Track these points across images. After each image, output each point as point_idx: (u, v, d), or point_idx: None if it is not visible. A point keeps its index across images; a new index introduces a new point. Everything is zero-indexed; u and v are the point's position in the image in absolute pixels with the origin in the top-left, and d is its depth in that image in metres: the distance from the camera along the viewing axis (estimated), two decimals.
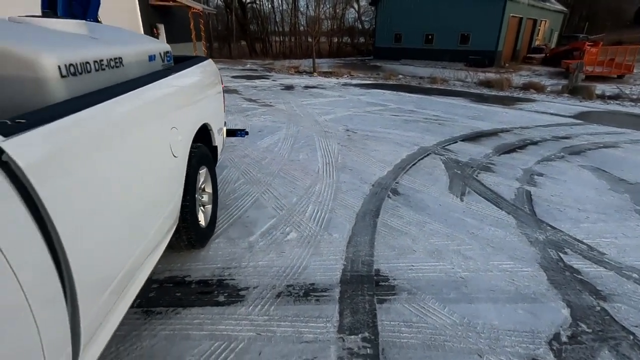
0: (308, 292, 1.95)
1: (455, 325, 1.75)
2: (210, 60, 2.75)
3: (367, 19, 31.21)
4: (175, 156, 1.71)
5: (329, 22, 28.92)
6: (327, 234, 2.53)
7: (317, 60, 14.37)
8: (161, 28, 12.69)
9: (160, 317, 1.75)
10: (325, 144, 4.63)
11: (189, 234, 2.05)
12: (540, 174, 3.77)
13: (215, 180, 2.56)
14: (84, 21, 1.78)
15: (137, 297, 1.41)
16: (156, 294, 1.91)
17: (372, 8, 24.52)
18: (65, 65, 1.27)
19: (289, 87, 9.67)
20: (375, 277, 2.08)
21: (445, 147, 4.62)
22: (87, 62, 1.40)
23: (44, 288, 0.84)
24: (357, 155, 4.21)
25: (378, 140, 4.85)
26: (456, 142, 4.88)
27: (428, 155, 4.28)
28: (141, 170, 1.40)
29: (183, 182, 1.87)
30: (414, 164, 3.95)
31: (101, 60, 1.50)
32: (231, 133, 3.25)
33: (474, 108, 7.47)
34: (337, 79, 12.17)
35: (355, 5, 30.94)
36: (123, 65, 1.67)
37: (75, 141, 1.04)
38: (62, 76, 1.25)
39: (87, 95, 1.26)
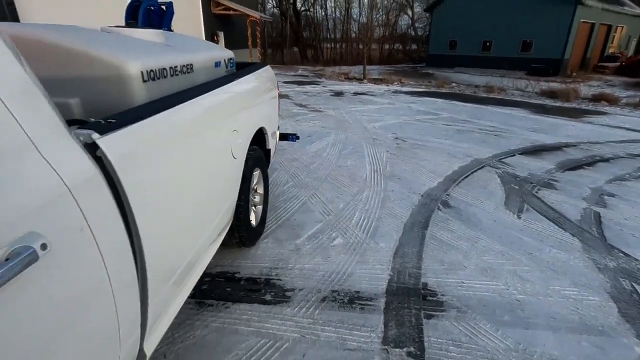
0: (353, 300, 1.94)
1: (508, 350, 1.64)
2: (268, 67, 2.87)
3: (420, 25, 30.63)
4: (234, 157, 1.80)
5: (381, 29, 28.78)
6: (373, 242, 2.50)
7: (367, 67, 14.35)
8: (221, 35, 13.44)
9: (211, 310, 1.84)
10: (374, 151, 4.59)
11: (241, 233, 2.13)
12: (612, 195, 3.43)
13: (267, 182, 2.65)
14: (160, 30, 1.94)
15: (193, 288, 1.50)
16: (208, 286, 2.02)
17: (427, 15, 24.02)
18: (147, 71, 1.40)
19: (339, 94, 9.75)
20: (422, 291, 2.02)
21: (502, 160, 4.38)
22: (164, 68, 1.53)
23: (123, 272, 0.92)
24: (406, 164, 4.13)
25: (429, 150, 4.71)
26: (514, 155, 4.60)
27: (482, 167, 4.08)
28: (206, 169, 1.50)
29: (240, 182, 1.96)
30: (466, 176, 3.78)
31: (175, 67, 1.63)
32: (283, 137, 3.34)
33: (535, 120, 7.00)
34: (387, 86, 12.04)
35: (409, 12, 30.51)
36: (193, 71, 1.80)
37: (153, 140, 1.14)
38: (144, 81, 1.38)
39: (164, 99, 1.37)
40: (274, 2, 30.12)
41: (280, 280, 2.09)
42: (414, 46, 29.94)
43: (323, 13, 30.90)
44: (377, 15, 28.42)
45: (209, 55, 2.04)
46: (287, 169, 3.90)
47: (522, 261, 2.32)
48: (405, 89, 11.36)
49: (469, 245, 2.48)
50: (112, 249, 0.87)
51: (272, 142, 2.77)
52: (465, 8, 19.30)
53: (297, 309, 1.86)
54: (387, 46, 29.30)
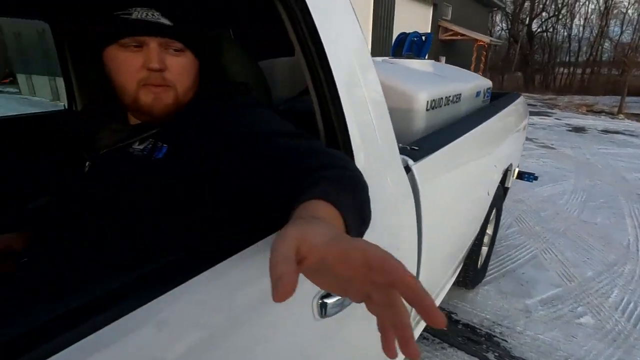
0: None
1: None
2: (522, 97, 2.59)
3: None
4: (488, 194, 1.68)
5: None
6: None
7: (625, 98, 11.15)
8: (442, 59, 13.50)
9: (427, 343, 1.77)
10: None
11: (467, 271, 1.98)
12: None
13: (498, 223, 2.39)
14: (431, 61, 2.04)
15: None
16: None
17: None
18: (430, 101, 1.47)
19: (579, 129, 7.99)
20: None
21: None
22: (441, 98, 1.57)
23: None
24: None
25: None
26: None
27: None
28: (469, 203, 1.45)
29: (483, 219, 1.82)
30: None
31: (449, 96, 1.65)
32: (519, 175, 2.95)
33: None
34: None
35: None
36: (460, 101, 1.79)
37: (441, 168, 1.16)
38: (427, 110, 1.45)
39: (449, 130, 1.39)
40: (504, 24, 27.96)
41: (506, 341, 1.80)
42: None
43: (565, 33, 26.31)
44: None
45: (473, 85, 1.99)
46: (509, 210, 3.44)
47: None
48: None
49: None
50: (407, 262, 0.91)
51: (510, 180, 2.48)
52: None
53: None
54: None
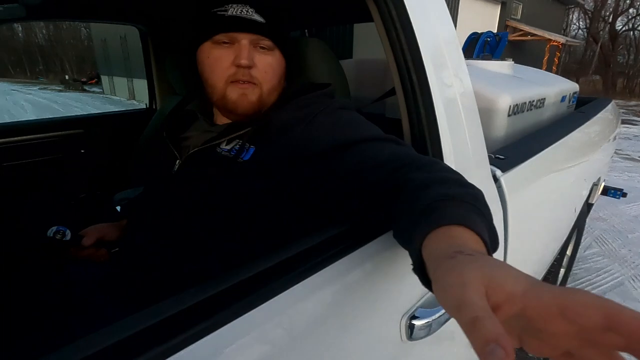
0: None
1: None
2: (613, 103, 2.30)
3: None
4: (575, 211, 1.50)
5: None
6: None
7: None
8: (508, 60, 12.62)
9: None
10: None
11: None
12: None
13: (578, 243, 2.14)
14: (508, 62, 1.88)
15: None
16: None
17: None
18: (513, 106, 1.34)
19: None
20: None
21: None
22: (524, 103, 1.44)
23: None
24: None
25: None
26: None
27: None
28: (554, 218, 1.31)
29: (565, 238, 1.63)
30: None
31: (532, 101, 1.50)
32: (604, 191, 2.63)
33: None
34: None
35: None
36: (543, 106, 1.62)
37: (527, 179, 1.05)
38: (509, 115, 1.33)
39: (536, 138, 1.26)
40: (581, 23, 25.48)
41: None
42: None
43: None
44: None
45: (558, 89, 1.80)
46: (589, 228, 3.07)
47: None
48: None
49: None
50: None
51: (596, 196, 2.21)
52: None
53: None
54: None
